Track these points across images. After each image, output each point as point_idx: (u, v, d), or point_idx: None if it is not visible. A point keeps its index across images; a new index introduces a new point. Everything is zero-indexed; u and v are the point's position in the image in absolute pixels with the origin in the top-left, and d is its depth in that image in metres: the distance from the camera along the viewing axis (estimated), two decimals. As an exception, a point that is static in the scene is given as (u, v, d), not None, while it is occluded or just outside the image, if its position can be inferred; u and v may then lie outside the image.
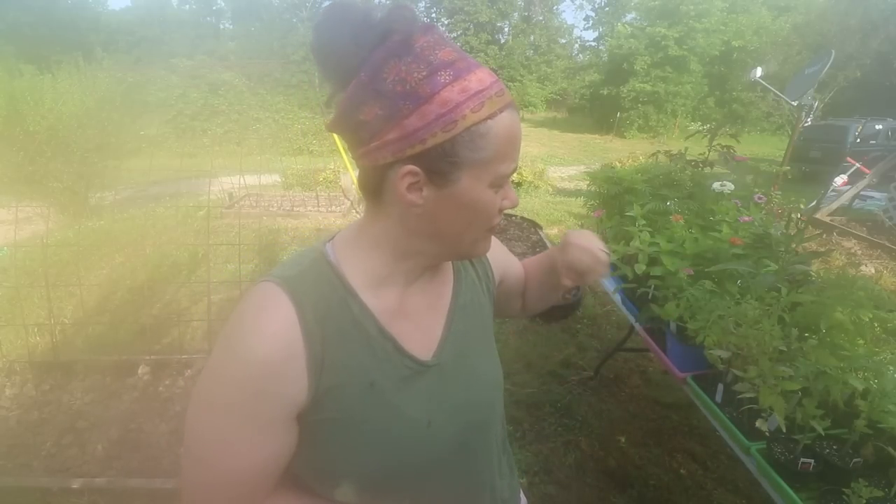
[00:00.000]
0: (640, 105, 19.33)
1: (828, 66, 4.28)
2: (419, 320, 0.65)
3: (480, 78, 0.52)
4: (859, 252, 4.57)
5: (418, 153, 0.52)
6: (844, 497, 0.98)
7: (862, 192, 5.62)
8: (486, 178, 0.55)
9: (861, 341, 1.29)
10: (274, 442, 0.54)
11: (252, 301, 0.55)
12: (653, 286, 1.73)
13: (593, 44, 37.34)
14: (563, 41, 36.84)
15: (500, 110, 0.53)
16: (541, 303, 0.94)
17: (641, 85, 18.89)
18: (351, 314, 0.58)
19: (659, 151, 2.77)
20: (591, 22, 38.23)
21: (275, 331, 0.52)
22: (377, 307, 0.60)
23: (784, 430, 1.09)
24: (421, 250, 0.61)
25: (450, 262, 0.73)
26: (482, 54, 30.28)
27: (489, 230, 0.62)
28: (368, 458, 0.58)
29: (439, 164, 0.52)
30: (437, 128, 0.50)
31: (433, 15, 33.63)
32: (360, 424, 0.57)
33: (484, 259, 0.80)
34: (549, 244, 4.97)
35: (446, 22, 32.32)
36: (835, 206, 5.45)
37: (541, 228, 5.63)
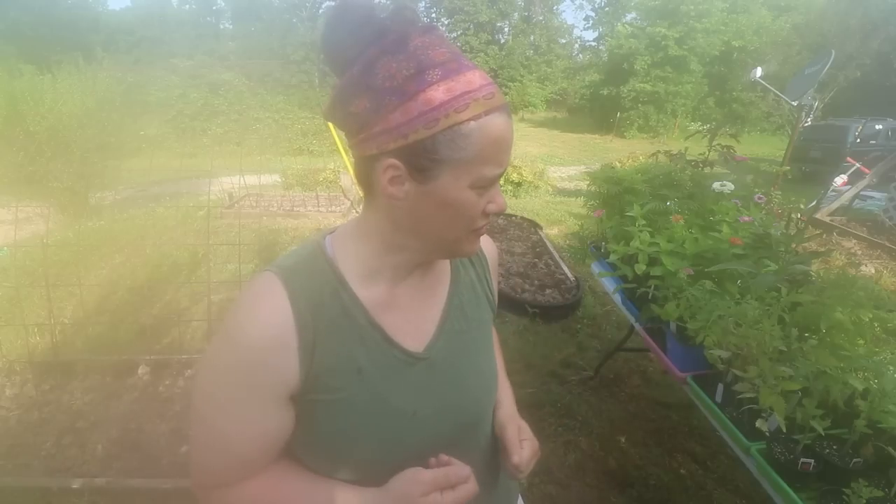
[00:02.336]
0: (640, 105, 19.33)
1: (828, 66, 4.28)
2: (410, 314, 0.67)
3: (469, 79, 0.53)
4: (859, 252, 4.57)
5: (400, 147, 0.53)
6: (844, 497, 0.98)
7: (862, 192, 5.62)
8: (466, 178, 0.55)
9: (861, 341, 1.29)
10: (266, 421, 0.58)
11: (250, 290, 0.60)
12: (653, 286, 1.73)
13: (593, 44, 37.38)
14: (563, 41, 36.83)
15: (486, 112, 0.53)
16: None
17: (641, 85, 18.88)
18: (342, 304, 0.61)
19: (659, 151, 2.78)
20: (591, 22, 38.28)
21: (267, 319, 0.56)
22: (367, 298, 0.62)
23: (784, 430, 1.09)
24: (406, 245, 0.62)
25: (447, 262, 0.73)
26: (482, 54, 30.25)
27: (473, 231, 0.61)
28: (356, 442, 0.61)
29: (420, 159, 0.53)
30: (419, 124, 0.52)
31: (433, 15, 33.61)
32: (348, 408, 0.60)
33: (483, 261, 0.79)
34: (549, 244, 4.97)
35: (446, 22, 32.30)
36: (835, 206, 5.45)
37: (541, 228, 5.63)
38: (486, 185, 0.57)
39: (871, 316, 1.30)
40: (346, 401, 0.60)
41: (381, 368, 0.62)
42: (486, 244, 0.82)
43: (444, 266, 0.73)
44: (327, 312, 0.60)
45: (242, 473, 0.61)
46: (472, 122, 0.52)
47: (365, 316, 0.62)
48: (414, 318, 0.67)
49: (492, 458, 0.77)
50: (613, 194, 2.24)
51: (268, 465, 0.63)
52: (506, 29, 34.27)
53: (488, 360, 0.75)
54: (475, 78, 0.53)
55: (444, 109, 0.51)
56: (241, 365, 0.56)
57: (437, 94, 0.51)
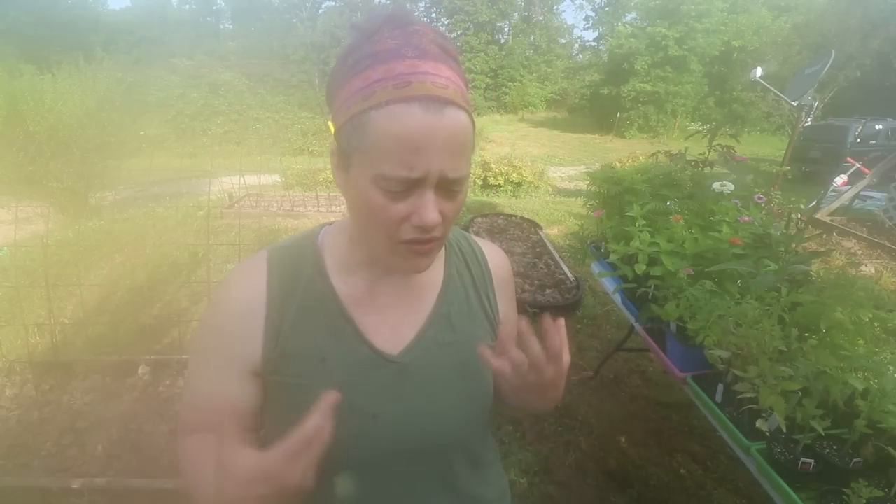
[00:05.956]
0: (640, 105, 19.33)
1: (828, 66, 4.28)
2: (389, 314, 0.65)
3: (392, 68, 0.49)
4: (859, 252, 4.56)
5: (335, 133, 0.55)
6: (844, 497, 0.98)
7: (862, 192, 5.61)
8: (368, 172, 0.51)
9: (861, 341, 1.29)
10: (234, 386, 0.62)
11: (242, 263, 0.65)
12: (653, 286, 1.73)
13: (593, 44, 37.38)
14: (563, 41, 36.80)
15: (389, 102, 0.48)
16: (517, 400, 0.71)
17: (641, 85, 18.88)
18: (316, 292, 0.63)
19: (659, 151, 2.77)
20: (591, 22, 38.31)
21: (241, 293, 0.62)
22: (344, 291, 0.64)
23: (784, 430, 1.09)
24: (362, 239, 0.62)
25: (441, 266, 0.70)
26: (482, 54, 30.24)
27: (401, 243, 0.55)
28: None
29: (342, 146, 0.54)
30: (341, 111, 0.53)
31: (433, 15, 33.61)
32: (307, 395, 0.58)
33: (486, 274, 0.74)
34: (549, 244, 4.96)
35: (446, 22, 32.28)
36: (835, 206, 5.44)
37: (541, 228, 5.63)
38: (393, 188, 0.51)
39: (871, 316, 1.30)
40: (306, 387, 0.60)
41: (346, 362, 0.62)
42: (494, 259, 0.77)
43: (436, 270, 0.70)
44: (301, 297, 0.62)
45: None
46: (373, 111, 0.49)
47: (338, 307, 0.62)
48: (392, 318, 0.65)
49: (459, 487, 0.70)
50: (613, 194, 2.24)
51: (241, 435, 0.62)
52: (506, 29, 34.26)
53: (474, 381, 0.69)
54: (401, 67, 0.49)
55: (354, 98, 0.51)
56: (210, 330, 0.63)
57: (357, 81, 0.51)
